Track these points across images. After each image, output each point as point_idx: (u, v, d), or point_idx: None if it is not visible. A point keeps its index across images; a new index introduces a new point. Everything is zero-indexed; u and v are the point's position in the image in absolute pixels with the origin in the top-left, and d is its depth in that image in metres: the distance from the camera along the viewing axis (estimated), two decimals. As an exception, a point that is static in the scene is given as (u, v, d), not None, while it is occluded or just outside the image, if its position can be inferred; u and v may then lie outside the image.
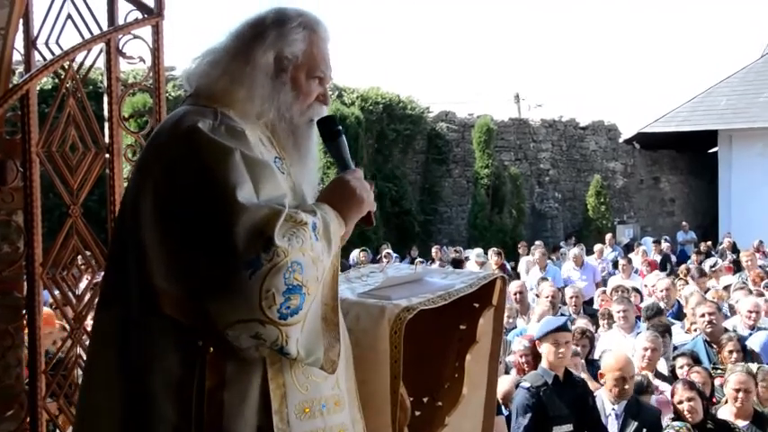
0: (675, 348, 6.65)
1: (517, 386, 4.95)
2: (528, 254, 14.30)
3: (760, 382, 5.26)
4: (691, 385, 4.93)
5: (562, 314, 7.37)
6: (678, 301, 8.46)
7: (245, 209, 1.76)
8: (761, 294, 8.55)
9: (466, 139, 19.71)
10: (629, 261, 11.99)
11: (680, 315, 8.10)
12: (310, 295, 1.82)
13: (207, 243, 1.77)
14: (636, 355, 5.68)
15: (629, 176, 22.93)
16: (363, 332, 2.23)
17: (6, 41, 3.13)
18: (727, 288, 9.38)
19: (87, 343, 2.75)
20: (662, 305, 7.89)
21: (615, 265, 12.85)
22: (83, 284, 3.35)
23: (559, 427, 4.62)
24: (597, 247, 14.44)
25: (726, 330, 6.50)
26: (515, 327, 7.47)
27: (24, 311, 3.16)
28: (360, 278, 2.59)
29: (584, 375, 5.31)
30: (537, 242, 15.01)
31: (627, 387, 4.88)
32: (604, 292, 9.47)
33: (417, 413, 2.40)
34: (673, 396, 4.94)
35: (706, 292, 8.94)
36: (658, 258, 14.90)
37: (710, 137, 22.52)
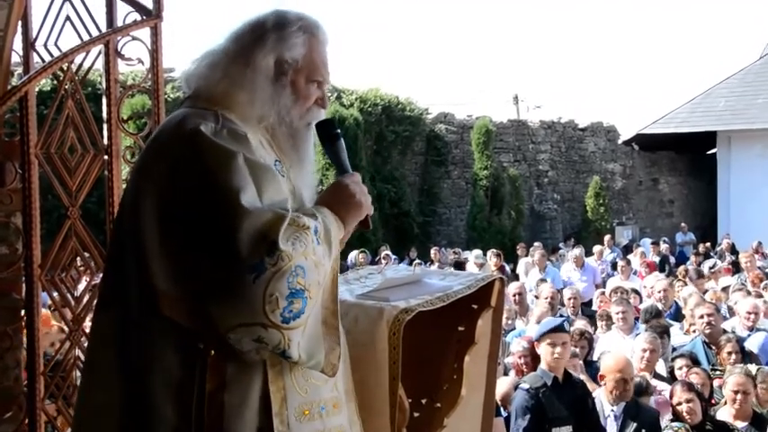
0: (674, 349, 6.64)
1: (516, 387, 4.95)
2: (527, 255, 14.28)
3: (759, 384, 5.26)
4: (690, 386, 4.94)
5: (561, 315, 7.36)
6: (676, 302, 8.44)
7: (248, 213, 1.76)
8: (759, 296, 8.54)
9: (465, 140, 19.69)
10: (628, 262, 11.98)
11: (678, 316, 8.09)
12: (312, 299, 1.83)
13: (210, 246, 1.77)
14: (634, 356, 5.68)
15: (627, 178, 22.93)
16: (362, 333, 2.23)
17: (5, 43, 3.13)
18: (725, 289, 9.37)
19: (86, 344, 2.75)
20: (659, 306, 7.88)
21: (614, 266, 12.85)
22: (81, 286, 3.35)
23: (558, 429, 4.62)
24: (596, 248, 14.40)
25: (724, 332, 6.50)
26: (514, 328, 7.47)
27: (23, 313, 3.15)
28: (358, 280, 2.59)
29: (582, 377, 5.31)
30: (536, 243, 14.99)
31: (627, 388, 4.88)
32: (603, 293, 9.43)
33: (416, 414, 2.41)
34: (672, 397, 4.94)
35: (705, 294, 8.93)
36: (657, 260, 14.88)
37: (709, 138, 22.50)
